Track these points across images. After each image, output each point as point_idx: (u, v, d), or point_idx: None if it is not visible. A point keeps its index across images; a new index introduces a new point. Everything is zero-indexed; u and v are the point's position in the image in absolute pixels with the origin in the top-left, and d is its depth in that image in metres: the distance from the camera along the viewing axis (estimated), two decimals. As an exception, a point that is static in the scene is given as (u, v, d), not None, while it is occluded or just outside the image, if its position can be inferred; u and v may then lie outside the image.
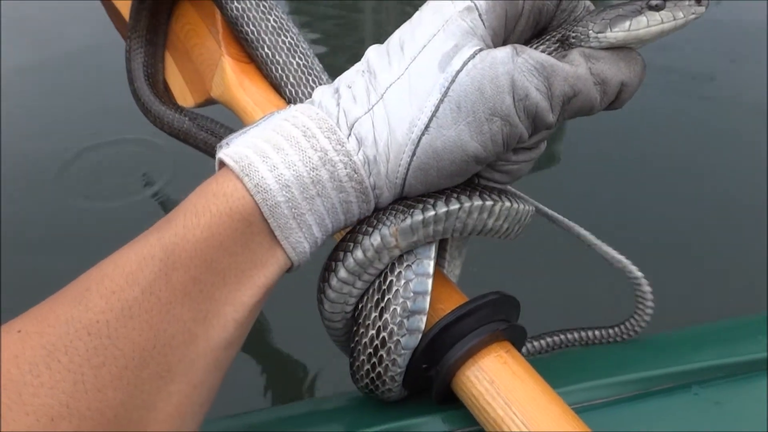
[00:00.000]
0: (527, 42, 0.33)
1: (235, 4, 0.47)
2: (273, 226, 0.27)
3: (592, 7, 0.33)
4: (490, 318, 0.32)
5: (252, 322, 0.29)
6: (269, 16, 0.48)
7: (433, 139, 0.28)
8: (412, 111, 0.28)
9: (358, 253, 0.30)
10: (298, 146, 0.28)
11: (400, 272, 0.30)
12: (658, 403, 0.35)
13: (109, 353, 0.24)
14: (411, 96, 0.28)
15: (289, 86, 0.46)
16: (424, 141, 0.28)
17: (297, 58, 0.47)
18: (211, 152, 0.56)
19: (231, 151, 0.28)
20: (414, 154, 0.28)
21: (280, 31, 0.48)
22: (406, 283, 0.30)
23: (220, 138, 0.55)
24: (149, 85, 0.59)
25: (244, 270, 0.27)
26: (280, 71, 0.47)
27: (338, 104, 0.29)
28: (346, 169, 0.28)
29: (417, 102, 0.28)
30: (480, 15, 0.29)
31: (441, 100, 0.28)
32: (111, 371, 0.24)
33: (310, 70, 0.47)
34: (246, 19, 0.47)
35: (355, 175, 0.28)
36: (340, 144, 0.28)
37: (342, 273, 0.30)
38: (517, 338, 0.33)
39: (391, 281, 0.30)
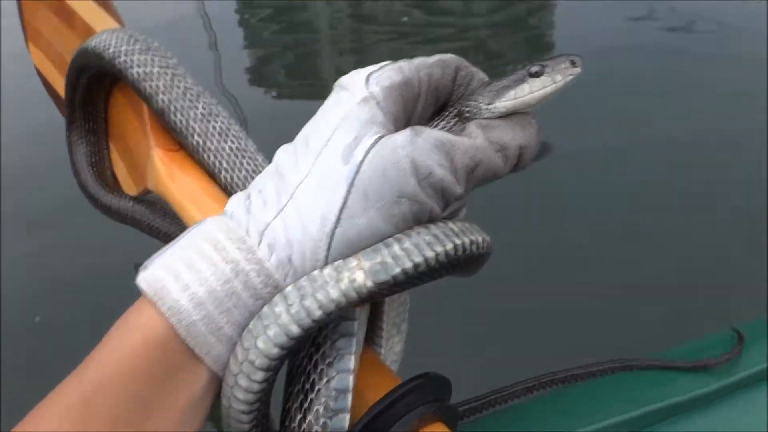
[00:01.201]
0: (430, 118, 0.34)
1: (161, 96, 0.47)
2: (191, 345, 0.27)
3: (486, 78, 0.34)
4: (420, 401, 0.31)
5: None
6: (197, 104, 0.48)
7: (346, 230, 0.28)
8: (323, 206, 0.28)
9: None
10: (209, 261, 0.28)
11: (322, 369, 0.30)
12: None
13: None
14: (320, 191, 0.29)
15: (224, 171, 0.46)
16: (338, 233, 0.28)
17: (229, 143, 0.47)
18: (164, 238, 0.56)
19: (147, 274, 0.28)
20: (330, 247, 0.28)
21: (209, 118, 0.48)
22: (328, 381, 0.30)
23: (170, 223, 0.55)
24: (95, 175, 0.59)
25: (168, 396, 0.27)
26: (212, 157, 0.46)
27: (249, 211, 0.30)
28: (259, 276, 0.28)
29: (326, 196, 0.29)
30: (377, 103, 0.30)
31: (348, 192, 0.28)
32: None
33: (243, 153, 0.47)
34: (173, 109, 0.47)
35: (270, 281, 0.28)
36: (250, 252, 0.28)
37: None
38: (450, 418, 0.33)
39: (314, 380, 0.30)
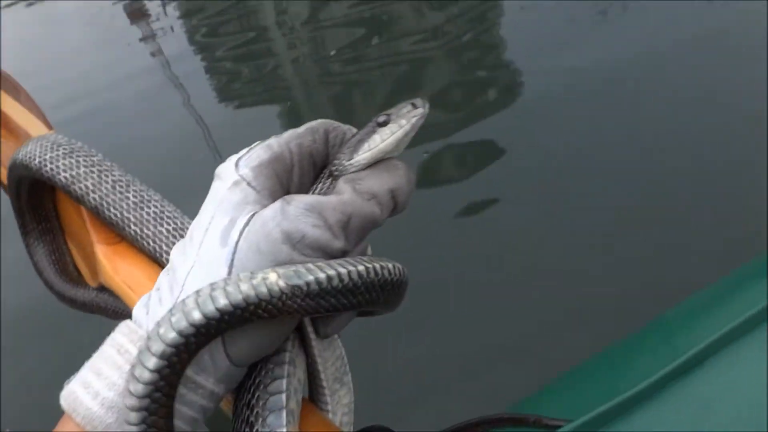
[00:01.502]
0: (312, 183, 0.35)
1: (92, 195, 0.49)
2: None
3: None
4: None
5: None
6: (128, 194, 0.50)
7: (234, 339, 0.30)
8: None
9: None
10: (115, 365, 0.30)
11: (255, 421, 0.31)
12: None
13: None
14: (206, 278, 0.30)
15: (165, 254, 0.48)
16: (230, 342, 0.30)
17: (165, 225, 0.49)
18: None
19: (64, 391, 0.31)
20: (224, 338, 0.30)
21: (142, 205, 0.50)
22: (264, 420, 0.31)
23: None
24: (58, 272, 0.61)
25: None
26: (152, 243, 0.48)
27: (148, 311, 0.32)
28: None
29: (210, 280, 0.30)
30: (248, 184, 0.32)
31: (229, 272, 0.30)
32: None
33: (181, 232, 0.48)
34: (106, 205, 0.49)
35: None
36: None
37: None
38: None
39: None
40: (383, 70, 2.39)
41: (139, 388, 0.27)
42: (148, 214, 0.50)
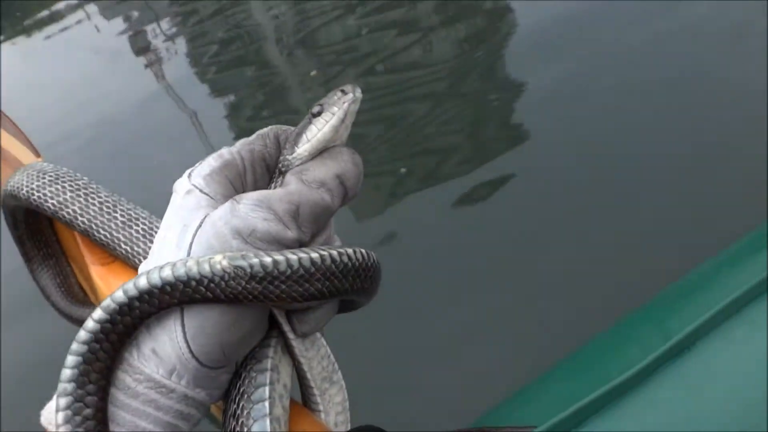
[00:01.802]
0: (269, 182, 0.36)
1: (80, 219, 0.50)
2: None
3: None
4: None
5: None
6: (116, 214, 0.51)
7: (191, 317, 0.31)
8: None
9: None
10: None
11: (242, 422, 0.32)
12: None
13: None
14: None
15: None
16: (187, 322, 0.31)
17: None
18: None
19: (44, 409, 0.32)
20: (184, 326, 0.31)
21: (130, 223, 0.50)
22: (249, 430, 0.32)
23: None
24: (64, 294, 0.62)
25: None
26: (143, 260, 0.49)
27: None
28: (132, 375, 0.31)
29: None
30: (201, 191, 0.33)
31: None
32: None
33: None
34: (95, 227, 0.50)
35: (143, 376, 0.31)
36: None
37: None
38: None
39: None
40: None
41: (70, 360, 0.29)
42: (137, 232, 0.51)
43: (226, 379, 0.34)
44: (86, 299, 0.63)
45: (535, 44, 2.24)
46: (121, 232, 0.50)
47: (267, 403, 0.32)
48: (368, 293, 0.34)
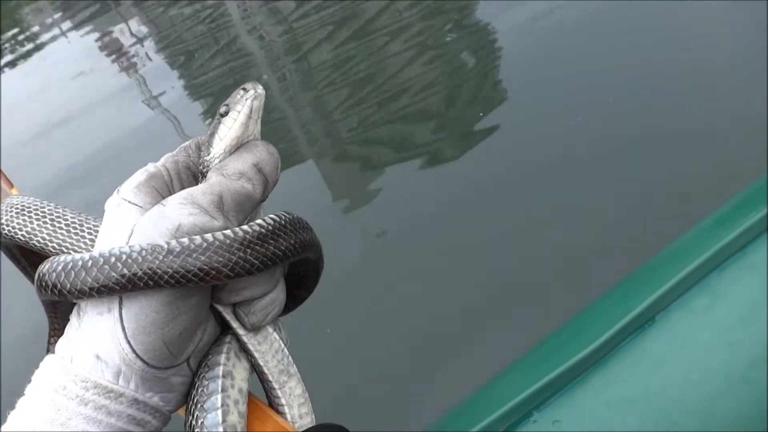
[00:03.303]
0: None
1: (50, 245, 0.47)
2: None
3: None
4: None
5: None
6: (83, 233, 0.50)
7: (129, 307, 0.31)
8: (105, 302, 0.31)
9: None
10: (36, 392, 0.31)
11: (197, 415, 0.32)
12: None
13: None
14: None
15: None
16: (125, 314, 0.31)
17: None
18: None
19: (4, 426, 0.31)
20: (123, 327, 0.31)
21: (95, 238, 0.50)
22: (203, 422, 0.32)
23: None
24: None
25: None
26: None
27: (67, 338, 0.33)
28: (76, 386, 0.31)
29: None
30: (128, 201, 0.34)
31: None
32: None
33: None
34: (66, 250, 0.49)
35: (88, 383, 0.31)
36: (64, 369, 0.31)
37: None
38: None
39: (195, 418, 0.32)
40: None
41: None
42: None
43: (178, 382, 0.34)
44: None
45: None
46: (92, 249, 0.50)
47: (219, 412, 0.32)
48: (294, 254, 0.34)
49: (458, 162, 1.74)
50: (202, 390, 0.33)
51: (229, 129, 0.35)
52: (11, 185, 0.61)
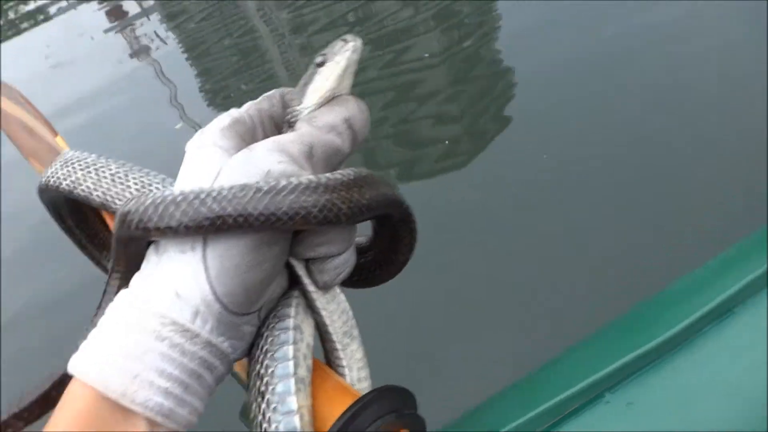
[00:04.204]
0: None
1: (95, 193, 0.48)
2: (115, 398, 0.29)
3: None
4: (381, 413, 0.32)
5: None
6: (128, 183, 0.49)
7: (214, 248, 0.30)
8: (189, 240, 0.31)
9: None
10: (111, 321, 0.31)
11: (270, 417, 0.31)
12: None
13: None
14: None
15: None
16: (209, 253, 0.30)
17: None
18: None
19: (70, 360, 0.30)
20: (207, 267, 0.30)
21: (143, 189, 0.48)
22: (276, 427, 0.30)
23: None
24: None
25: None
26: None
27: (138, 272, 0.33)
28: (154, 320, 0.30)
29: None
30: (213, 143, 0.33)
31: None
32: None
33: None
34: (110, 199, 0.49)
35: (166, 319, 0.30)
36: (142, 301, 0.31)
37: None
38: (415, 427, 0.33)
39: (265, 428, 0.31)
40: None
41: None
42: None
43: (248, 332, 0.33)
44: None
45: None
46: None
47: (291, 363, 0.32)
48: (379, 206, 0.32)
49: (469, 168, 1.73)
50: (273, 340, 0.33)
51: (326, 80, 0.34)
52: (55, 132, 0.60)
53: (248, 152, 0.32)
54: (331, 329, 0.36)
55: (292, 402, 0.31)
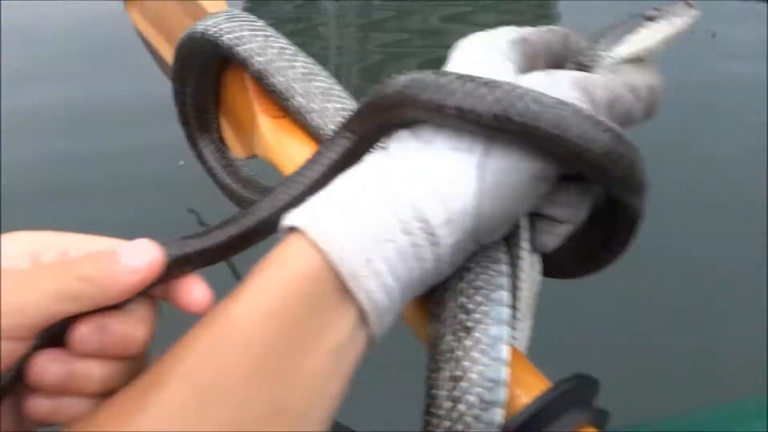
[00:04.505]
0: None
1: (258, 58, 0.45)
2: (345, 275, 0.25)
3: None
4: (570, 404, 0.29)
5: (335, 389, 0.27)
6: (295, 63, 0.45)
7: (497, 160, 0.27)
8: (467, 139, 0.28)
9: None
10: (356, 194, 0.27)
11: (475, 357, 0.28)
12: None
13: None
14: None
15: (329, 133, 0.44)
16: (490, 164, 0.27)
17: (333, 103, 0.44)
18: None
19: (293, 214, 0.27)
20: (483, 178, 0.27)
21: (310, 77, 0.45)
22: (482, 369, 0.28)
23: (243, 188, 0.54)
24: (230, 173, 0.57)
25: (314, 335, 0.25)
26: (317, 119, 0.44)
27: (389, 155, 0.29)
28: (408, 209, 0.27)
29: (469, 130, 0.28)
30: (503, 52, 0.31)
31: None
32: None
33: (348, 114, 0.44)
34: (272, 70, 0.45)
35: (419, 214, 0.27)
36: (394, 186, 0.27)
37: None
38: (601, 423, 0.30)
39: (466, 366, 0.28)
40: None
41: None
42: (316, 87, 0.45)
43: (456, 265, 0.29)
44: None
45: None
46: (299, 83, 0.45)
47: (507, 311, 0.29)
48: (639, 180, 0.29)
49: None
50: (487, 279, 0.30)
51: (649, 37, 0.31)
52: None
53: (547, 77, 0.29)
54: (522, 297, 0.33)
55: (504, 350, 0.28)
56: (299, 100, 0.44)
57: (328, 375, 0.26)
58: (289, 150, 0.44)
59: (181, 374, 0.23)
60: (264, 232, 0.31)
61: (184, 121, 0.56)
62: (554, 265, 0.35)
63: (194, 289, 0.27)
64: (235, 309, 0.25)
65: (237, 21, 0.46)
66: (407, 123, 0.29)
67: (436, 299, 0.31)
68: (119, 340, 0.26)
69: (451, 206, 0.27)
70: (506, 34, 0.32)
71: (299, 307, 0.25)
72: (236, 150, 0.56)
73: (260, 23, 0.47)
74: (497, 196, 0.27)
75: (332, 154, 0.32)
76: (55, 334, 0.24)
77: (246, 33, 0.45)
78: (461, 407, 0.27)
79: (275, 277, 0.26)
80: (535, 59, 0.32)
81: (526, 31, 0.33)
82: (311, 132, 0.44)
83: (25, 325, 0.23)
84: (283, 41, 0.46)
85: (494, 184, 0.27)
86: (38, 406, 0.26)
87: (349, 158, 0.31)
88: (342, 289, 0.26)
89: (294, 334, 0.25)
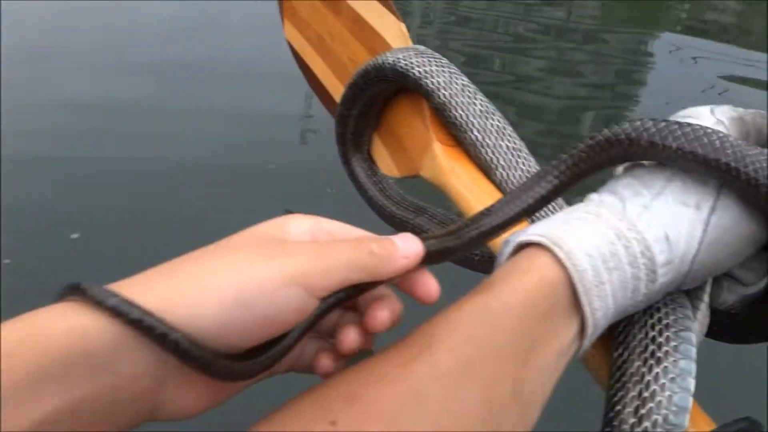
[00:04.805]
0: None
1: (442, 92, 0.50)
2: (580, 291, 0.29)
3: None
4: None
5: (549, 389, 0.30)
6: (475, 101, 0.50)
7: (720, 217, 0.32)
8: (695, 196, 0.32)
9: None
10: (593, 225, 0.31)
11: (664, 384, 0.31)
12: None
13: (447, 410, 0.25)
14: (690, 185, 0.33)
15: (500, 169, 0.48)
16: (713, 220, 0.32)
17: (506, 141, 0.49)
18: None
19: (534, 232, 0.31)
20: (705, 231, 0.31)
21: (486, 115, 0.50)
22: (671, 395, 0.30)
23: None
24: (381, 191, 0.62)
25: (547, 336, 0.29)
26: (490, 154, 0.49)
27: (620, 199, 0.33)
28: (639, 245, 0.31)
29: (697, 188, 0.32)
30: (726, 128, 0.35)
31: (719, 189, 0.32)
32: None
33: (519, 153, 0.49)
34: (454, 104, 0.50)
35: (648, 252, 0.31)
36: (631, 224, 0.31)
37: None
38: None
39: (654, 390, 0.31)
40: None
41: None
42: (491, 125, 0.50)
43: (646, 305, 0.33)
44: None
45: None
46: (477, 119, 0.50)
47: (694, 350, 0.32)
48: None
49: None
50: (675, 319, 0.33)
51: None
52: (400, 19, 0.60)
53: (761, 155, 0.31)
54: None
55: (691, 383, 0.31)
56: (475, 134, 0.49)
57: (551, 374, 0.30)
58: (460, 176, 0.49)
59: (448, 347, 0.27)
60: (492, 238, 0.34)
61: (341, 142, 0.61)
62: (718, 326, 0.38)
63: (430, 282, 0.31)
64: (494, 302, 0.29)
65: (426, 57, 0.51)
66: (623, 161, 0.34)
67: (620, 328, 0.34)
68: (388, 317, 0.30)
69: (674, 251, 0.31)
70: (727, 112, 0.36)
71: (540, 309, 0.29)
72: (388, 168, 0.61)
73: (445, 60, 0.52)
74: (714, 249, 0.31)
75: (553, 179, 0.35)
76: (338, 299, 0.29)
77: (434, 68, 0.51)
78: (646, 424, 0.30)
79: (524, 281, 0.30)
80: (747, 135, 0.36)
81: (743, 111, 0.36)
82: (480, 164, 0.49)
83: (326, 287, 0.27)
84: (465, 79, 0.51)
85: (714, 238, 0.31)
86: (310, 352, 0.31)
87: (564, 187, 0.35)
88: (573, 303, 0.30)
89: (533, 330, 0.29)
